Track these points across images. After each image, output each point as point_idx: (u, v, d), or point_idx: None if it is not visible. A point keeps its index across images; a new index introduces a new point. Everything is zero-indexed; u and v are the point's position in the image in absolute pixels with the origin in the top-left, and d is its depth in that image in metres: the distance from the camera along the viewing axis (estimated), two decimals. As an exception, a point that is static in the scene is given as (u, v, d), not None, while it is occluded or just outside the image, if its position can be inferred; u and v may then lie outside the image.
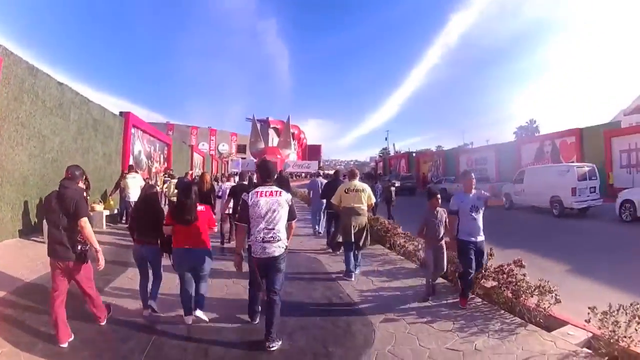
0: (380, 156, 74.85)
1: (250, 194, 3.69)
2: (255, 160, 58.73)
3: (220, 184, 14.49)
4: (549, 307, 4.20)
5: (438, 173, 35.23)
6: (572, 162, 20.44)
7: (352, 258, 5.96)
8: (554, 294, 4.21)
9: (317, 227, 10.06)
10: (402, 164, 44.76)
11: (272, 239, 3.59)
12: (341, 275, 6.05)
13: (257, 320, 4.10)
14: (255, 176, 5.96)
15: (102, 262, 3.69)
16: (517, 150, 26.31)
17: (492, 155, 29.01)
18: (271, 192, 3.67)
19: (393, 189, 13.96)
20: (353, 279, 5.80)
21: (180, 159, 25.10)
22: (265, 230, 3.58)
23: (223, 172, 54.51)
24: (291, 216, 3.79)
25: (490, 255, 5.22)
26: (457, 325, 4.16)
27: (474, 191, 4.93)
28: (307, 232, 10.11)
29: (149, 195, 4.56)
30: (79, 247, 3.56)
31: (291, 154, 61.89)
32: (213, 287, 5.05)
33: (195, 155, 31.51)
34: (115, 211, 11.51)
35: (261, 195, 3.63)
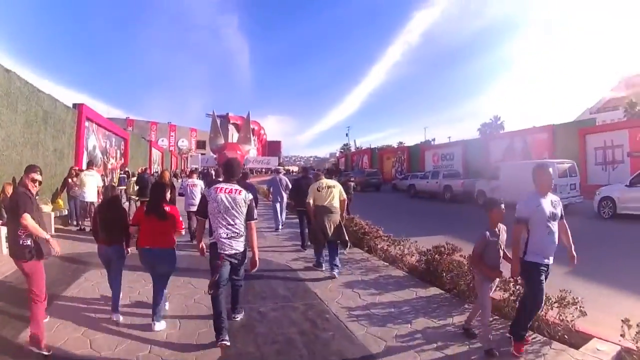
0: (341, 152, 75.37)
1: (210, 189, 3.82)
2: (215, 156, 59.10)
3: (181, 180, 13.96)
4: (573, 320, 3.71)
5: (402, 169, 35.45)
6: (544, 158, 19.80)
7: (322, 253, 6.12)
8: (577, 306, 3.73)
9: (279, 222, 10.13)
10: (365, 160, 44.73)
11: (235, 234, 3.66)
12: (317, 276, 5.88)
13: (226, 338, 3.56)
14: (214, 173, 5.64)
15: (57, 248, 3.71)
16: (485, 147, 25.99)
17: (459, 152, 28.52)
18: (231, 189, 3.71)
19: (352, 184, 13.82)
20: (336, 273, 5.79)
21: (138, 155, 24.04)
22: (227, 227, 3.65)
23: (183, 168, 53.39)
24: (250, 216, 3.79)
25: None
26: (475, 347, 3.60)
27: (549, 194, 3.56)
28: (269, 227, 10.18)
29: (113, 197, 4.60)
30: (21, 242, 3.47)
31: (251, 150, 61.61)
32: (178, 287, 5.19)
33: (154, 151, 30.35)
34: (65, 212, 10.68)
35: (220, 192, 3.68)
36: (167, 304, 4.37)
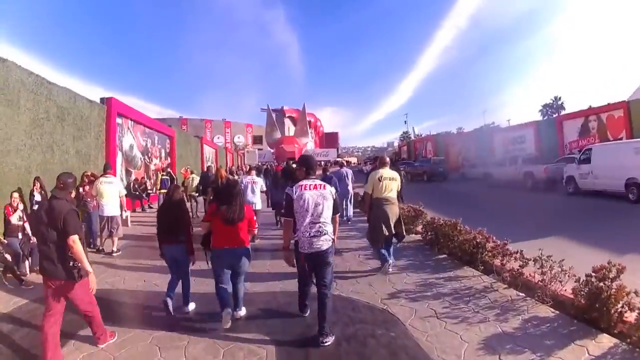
0: (402, 140, 72.06)
1: (294, 187, 3.66)
2: (272, 151, 58.84)
3: (240, 177, 12.96)
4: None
5: (470, 155, 32.22)
6: (621, 137, 18.48)
7: (391, 252, 5.75)
8: None
9: (345, 215, 9.75)
10: (429, 147, 41.81)
11: (318, 233, 3.54)
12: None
13: (308, 312, 4.06)
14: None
15: (93, 286, 3.47)
16: (558, 127, 23.79)
17: (530, 134, 26.19)
18: (315, 185, 3.65)
19: (402, 172, 12.20)
20: (390, 269, 5.49)
21: (187, 153, 22.52)
22: (312, 225, 3.54)
23: (240, 164, 52.61)
24: (336, 209, 3.75)
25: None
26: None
27: None
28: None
29: (176, 200, 4.54)
30: (71, 263, 3.27)
31: (309, 143, 61.02)
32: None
33: (206, 148, 28.90)
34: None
35: (305, 189, 3.61)
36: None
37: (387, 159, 6.17)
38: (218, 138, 60.52)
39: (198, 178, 13.45)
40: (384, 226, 5.55)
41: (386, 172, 5.80)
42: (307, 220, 3.54)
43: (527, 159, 18.91)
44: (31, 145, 8.14)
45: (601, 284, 3.58)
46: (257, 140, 67.95)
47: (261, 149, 64.17)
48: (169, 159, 18.65)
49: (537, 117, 51.31)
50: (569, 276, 4.14)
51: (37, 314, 4.11)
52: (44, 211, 3.32)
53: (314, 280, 3.72)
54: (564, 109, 53.24)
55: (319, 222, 3.56)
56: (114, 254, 7.37)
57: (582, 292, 3.75)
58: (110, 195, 7.47)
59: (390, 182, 5.72)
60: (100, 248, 7.64)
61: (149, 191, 13.65)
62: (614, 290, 3.47)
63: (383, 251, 5.63)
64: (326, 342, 3.51)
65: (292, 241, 3.75)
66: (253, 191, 7.98)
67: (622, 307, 3.42)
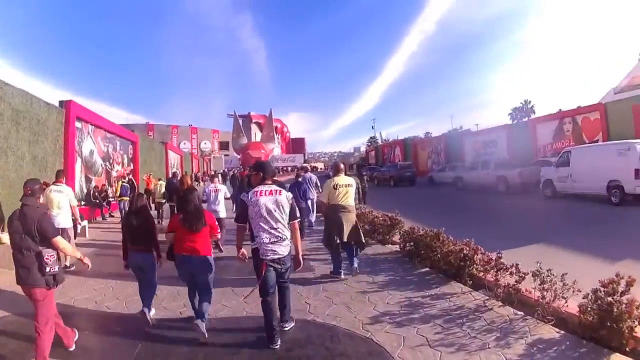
0: (369, 145, 72.92)
1: (249, 193, 3.63)
2: (239, 157, 58.30)
3: (204, 184, 12.70)
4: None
5: (439, 160, 32.79)
6: (597, 140, 18.83)
7: (340, 257, 5.63)
8: None
9: (311, 221, 9.90)
10: (397, 152, 42.00)
11: (278, 239, 3.52)
12: None
13: (278, 343, 3.56)
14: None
15: (89, 265, 3.62)
16: (531, 130, 23.96)
17: (502, 137, 26.10)
18: (271, 191, 3.59)
19: (365, 176, 13.44)
20: (343, 276, 5.48)
21: (151, 159, 21.92)
22: (270, 231, 3.50)
23: (205, 170, 51.73)
24: (293, 216, 3.68)
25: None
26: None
27: None
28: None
29: (141, 207, 4.46)
30: (48, 269, 3.24)
31: (275, 148, 61.01)
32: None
33: (171, 154, 28.25)
34: None
35: (260, 195, 3.55)
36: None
37: (342, 166, 6.00)
38: (184, 144, 59.59)
39: (164, 185, 13.28)
40: (336, 233, 5.46)
41: (341, 179, 5.72)
42: (265, 226, 3.50)
43: (499, 162, 18.49)
44: (-19, 151, 7.73)
45: (610, 299, 3.25)
46: (223, 146, 67.20)
47: (227, 155, 63.52)
48: (131, 165, 18.07)
49: (506, 121, 50.75)
50: (573, 292, 3.73)
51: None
52: (16, 219, 3.27)
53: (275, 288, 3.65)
54: (534, 112, 53.54)
55: (277, 228, 3.52)
56: (67, 269, 7.02)
57: (590, 309, 3.37)
58: (60, 205, 7.02)
59: (345, 188, 5.64)
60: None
61: (110, 199, 13.16)
62: (625, 305, 3.15)
63: (339, 266, 5.55)
64: (286, 327, 3.80)
65: (252, 247, 3.63)
66: (216, 199, 7.73)
67: (633, 322, 3.13)
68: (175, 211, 5.37)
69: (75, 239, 7.36)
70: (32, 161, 9.37)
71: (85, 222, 9.96)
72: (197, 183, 28.25)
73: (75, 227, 7.48)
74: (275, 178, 6.40)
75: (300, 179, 10.02)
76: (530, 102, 57.66)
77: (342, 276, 5.47)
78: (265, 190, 3.57)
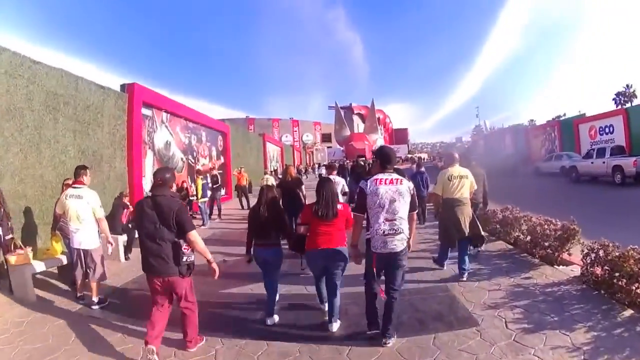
0: (474, 134, 67.16)
1: (368, 181, 3.44)
2: (342, 148, 57.18)
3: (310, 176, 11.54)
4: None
5: (554, 148, 28.49)
6: None
7: (466, 258, 5.13)
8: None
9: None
10: (507, 140, 38.02)
11: (393, 231, 3.31)
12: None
13: (375, 331, 3.54)
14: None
15: (217, 273, 3.48)
16: None
17: (619, 122, 22.06)
18: (391, 179, 3.40)
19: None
20: (464, 278, 4.97)
21: (246, 152, 20.20)
22: (386, 222, 3.31)
23: (308, 162, 50.84)
24: (413, 207, 3.49)
25: None
26: None
27: None
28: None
29: (271, 199, 4.22)
30: (185, 259, 3.27)
31: (378, 139, 58.98)
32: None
33: (270, 146, 26.64)
34: (64, 260, 5.64)
35: (380, 183, 3.37)
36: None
37: (457, 155, 5.52)
38: (286, 137, 60.30)
39: (272, 179, 12.42)
40: (454, 229, 5.10)
41: (456, 170, 5.29)
42: (382, 217, 3.30)
43: (615, 150, 16.85)
44: (2, 144, 5.84)
45: None
46: (325, 138, 67.29)
47: (330, 147, 63.22)
48: (222, 158, 16.30)
49: (610, 107, 49.86)
50: None
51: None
52: (149, 208, 3.24)
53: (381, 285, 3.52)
54: (636, 96, 54.97)
55: (394, 220, 3.30)
56: (94, 307, 4.71)
57: None
58: (81, 216, 4.69)
59: (461, 180, 5.19)
60: (78, 295, 5.02)
61: (191, 198, 11.12)
62: None
63: (444, 257, 5.41)
64: (388, 343, 3.46)
65: (366, 237, 3.50)
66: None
67: None
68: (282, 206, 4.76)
69: (102, 267, 4.99)
70: (79, 155, 7.45)
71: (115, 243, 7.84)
72: (300, 175, 26.41)
73: (105, 247, 5.14)
74: (396, 166, 5.33)
75: (422, 169, 9.67)
76: (632, 86, 57.20)
77: (445, 268, 5.40)
78: (386, 179, 3.39)
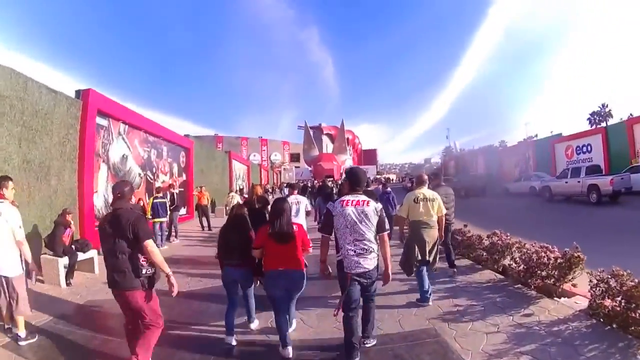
0: (444, 155, 68.76)
1: (336, 202, 3.51)
2: (310, 168, 57.16)
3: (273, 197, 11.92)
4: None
5: (527, 168, 29.39)
6: None
7: (426, 279, 4.98)
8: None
9: None
10: (480, 161, 38.78)
11: (364, 251, 3.37)
12: None
13: None
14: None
15: (175, 288, 3.26)
16: (629, 133, 20.58)
17: (597, 142, 23.00)
18: (357, 201, 3.43)
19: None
20: (430, 303, 4.85)
21: (210, 170, 19.55)
22: (355, 243, 3.36)
23: (275, 182, 50.17)
24: (381, 228, 3.46)
25: None
26: None
27: None
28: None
29: (238, 216, 4.26)
30: (144, 271, 3.19)
31: (347, 160, 59.50)
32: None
33: (236, 164, 26.02)
34: None
35: (347, 205, 3.41)
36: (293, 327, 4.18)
37: (425, 177, 5.46)
38: (254, 156, 59.85)
39: (238, 197, 12.29)
40: (417, 250, 5.00)
41: (423, 192, 5.22)
42: (350, 237, 3.36)
43: (590, 169, 17.08)
44: None
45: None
46: (294, 158, 67.23)
47: (298, 167, 63.04)
48: (184, 175, 15.63)
49: (584, 127, 51.20)
50: None
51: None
52: (107, 223, 3.22)
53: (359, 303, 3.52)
54: (611, 116, 54.60)
55: (363, 240, 3.36)
56: (20, 342, 4.08)
57: None
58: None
59: (427, 203, 5.11)
60: (6, 326, 4.37)
61: (148, 217, 10.45)
62: None
63: (426, 286, 4.95)
64: (367, 343, 3.69)
65: (337, 259, 3.56)
66: (297, 212, 6.76)
67: None
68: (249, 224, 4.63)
69: (25, 299, 4.34)
70: (23, 165, 6.78)
71: (94, 252, 7.18)
72: (266, 194, 25.85)
73: (28, 274, 4.49)
74: (368, 188, 6.00)
75: (388, 189, 9.99)
76: (607, 105, 57.78)
77: (430, 303, 4.92)
78: (352, 200, 3.42)
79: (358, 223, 3.35)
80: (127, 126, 10.57)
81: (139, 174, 11.33)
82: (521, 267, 5.44)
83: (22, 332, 4.13)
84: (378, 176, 49.47)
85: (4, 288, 4.11)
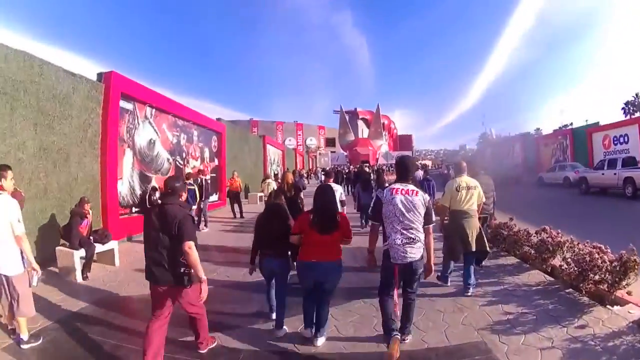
0: (481, 142, 66.10)
1: (385, 191, 3.48)
2: (345, 153, 56.40)
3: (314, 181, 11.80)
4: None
5: (565, 157, 27.92)
6: None
7: (472, 271, 4.90)
8: None
9: None
10: (517, 149, 36.90)
11: (411, 240, 3.30)
12: None
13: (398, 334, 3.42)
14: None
15: (204, 295, 3.22)
16: None
17: (634, 132, 21.39)
18: (407, 190, 3.39)
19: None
20: (470, 293, 4.75)
21: (244, 154, 19.14)
22: (403, 232, 3.30)
23: (310, 167, 49.67)
24: (428, 220, 3.42)
25: None
26: None
27: None
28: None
29: (277, 206, 4.17)
30: (182, 269, 3.17)
31: (383, 145, 58.07)
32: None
33: (270, 149, 25.56)
34: None
35: (397, 193, 3.38)
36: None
37: (464, 165, 5.19)
38: (290, 140, 59.38)
39: (274, 183, 11.82)
40: (461, 242, 4.84)
41: (465, 180, 5.00)
42: (398, 226, 3.31)
43: (626, 161, 15.79)
44: None
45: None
46: (329, 142, 66.51)
47: (334, 152, 62.47)
48: (216, 160, 15.23)
49: (619, 117, 49.45)
50: None
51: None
52: (155, 216, 3.20)
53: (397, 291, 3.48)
54: None
55: (411, 229, 3.29)
56: (22, 345, 3.69)
57: None
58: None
59: (469, 191, 4.92)
60: (9, 327, 3.97)
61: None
62: None
63: (447, 273, 5.15)
64: (406, 339, 3.57)
65: (383, 248, 3.44)
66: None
67: None
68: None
69: (27, 299, 3.90)
70: (39, 153, 6.43)
71: (114, 244, 6.76)
72: (302, 179, 25.43)
73: (29, 274, 4.02)
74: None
75: (429, 176, 10.05)
76: None
77: (448, 284, 5.13)
78: (402, 189, 3.39)
79: (406, 212, 3.31)
80: (154, 110, 10.13)
81: (168, 159, 10.93)
82: (572, 269, 4.81)
83: (24, 334, 3.75)
84: (417, 162, 48.24)
85: (4, 287, 3.71)
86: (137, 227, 8.82)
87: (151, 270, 3.18)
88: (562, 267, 5.06)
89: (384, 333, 3.45)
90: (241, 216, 12.36)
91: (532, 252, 5.94)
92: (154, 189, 9.44)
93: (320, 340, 3.67)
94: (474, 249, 4.87)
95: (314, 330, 3.70)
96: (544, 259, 5.64)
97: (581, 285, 4.63)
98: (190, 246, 3.08)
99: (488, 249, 5.13)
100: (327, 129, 66.46)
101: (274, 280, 4.11)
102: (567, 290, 4.79)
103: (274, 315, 4.10)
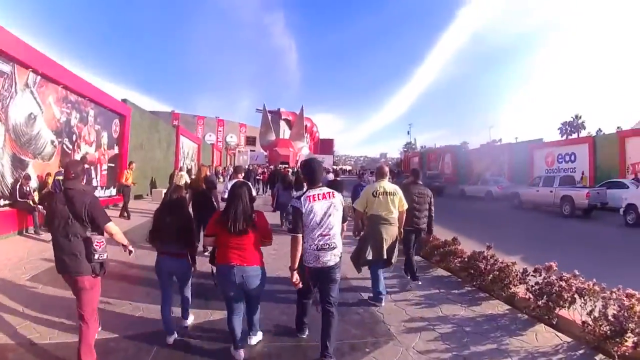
0: (405, 151, 69.18)
1: (302, 200, 3.24)
2: (265, 153, 55.40)
3: (225, 180, 11.80)
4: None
5: (502, 172, 28.38)
6: None
7: (381, 278, 4.85)
8: None
9: None
10: (447, 159, 38.62)
11: (327, 246, 3.21)
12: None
13: (306, 333, 3.75)
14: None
15: (131, 248, 3.34)
16: (619, 145, 20.01)
17: (582, 151, 22.19)
18: (324, 194, 3.27)
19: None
20: (383, 304, 4.65)
21: (153, 145, 17.32)
22: (320, 237, 3.19)
23: (227, 165, 47.80)
24: (344, 218, 3.45)
25: None
26: None
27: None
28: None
29: (175, 200, 3.84)
30: (96, 256, 3.02)
31: (304, 147, 57.94)
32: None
33: (184, 140, 23.71)
34: None
35: (314, 200, 3.22)
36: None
37: (386, 169, 5.08)
38: (210, 136, 57.58)
39: (187, 177, 11.25)
40: (373, 248, 4.70)
41: (383, 185, 4.85)
42: (317, 232, 3.19)
43: (564, 180, 16.26)
44: None
45: None
46: (250, 141, 65.40)
47: (254, 150, 61.27)
48: (116, 147, 13.41)
49: (555, 137, 51.61)
50: None
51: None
52: (60, 203, 3.02)
53: (317, 296, 3.41)
54: (584, 127, 55.10)
55: (328, 235, 3.21)
56: None
57: None
58: None
59: (387, 197, 4.76)
60: None
61: (35, 202, 8.28)
62: None
63: (380, 276, 4.82)
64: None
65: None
66: None
67: None
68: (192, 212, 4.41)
69: None
70: None
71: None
72: (217, 177, 23.95)
73: None
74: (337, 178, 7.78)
75: (362, 181, 10.11)
76: (580, 116, 57.56)
77: (383, 304, 4.72)
78: (319, 194, 3.26)
79: (326, 218, 3.21)
80: (38, 77, 8.37)
81: (52, 142, 9.14)
82: (603, 325, 3.56)
83: None
84: (334, 167, 48.82)
85: None
86: (5, 226, 7.22)
87: (63, 260, 3.01)
88: (586, 323, 3.66)
89: (296, 327, 3.75)
90: (128, 217, 10.56)
91: (531, 297, 4.47)
92: (27, 178, 7.84)
93: (255, 339, 3.59)
94: (385, 257, 4.73)
95: (243, 352, 3.35)
96: (550, 308, 4.17)
97: (615, 349, 3.37)
98: (112, 227, 3.09)
99: (393, 260, 4.93)
100: (249, 127, 65.37)
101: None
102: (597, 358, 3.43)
103: (186, 321, 3.96)
